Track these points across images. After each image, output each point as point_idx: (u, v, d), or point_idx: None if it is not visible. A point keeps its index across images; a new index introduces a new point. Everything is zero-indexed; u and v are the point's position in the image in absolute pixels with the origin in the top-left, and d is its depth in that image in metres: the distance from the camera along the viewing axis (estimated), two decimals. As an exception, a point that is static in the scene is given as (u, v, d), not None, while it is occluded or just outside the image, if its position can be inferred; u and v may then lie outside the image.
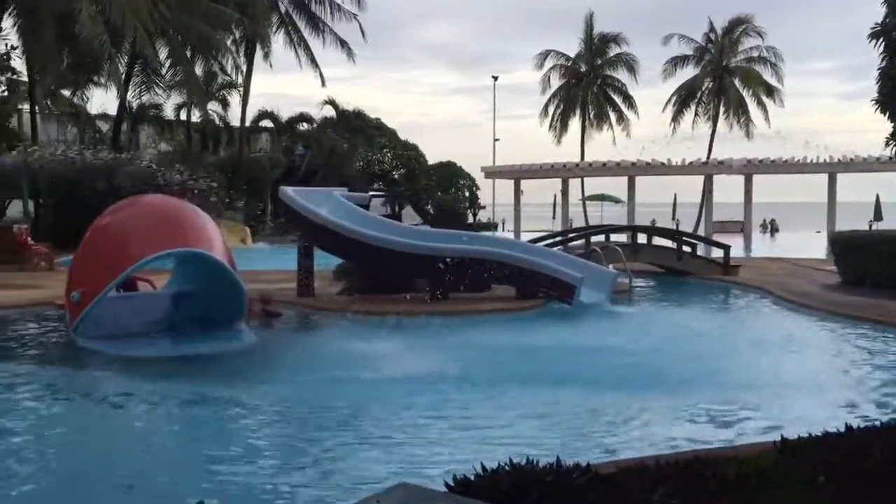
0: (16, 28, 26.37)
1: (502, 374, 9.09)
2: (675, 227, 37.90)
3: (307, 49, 37.62)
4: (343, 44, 37.88)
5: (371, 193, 16.95)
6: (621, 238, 20.70)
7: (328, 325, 12.63)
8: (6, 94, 29.66)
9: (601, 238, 19.05)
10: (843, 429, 4.59)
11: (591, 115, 50.44)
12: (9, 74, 28.93)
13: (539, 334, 11.72)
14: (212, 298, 11.60)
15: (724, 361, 10.20)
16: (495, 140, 57.02)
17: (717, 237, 25.99)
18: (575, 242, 19.48)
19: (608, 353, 10.23)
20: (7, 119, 31.91)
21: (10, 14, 26.19)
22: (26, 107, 32.39)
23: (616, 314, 13.65)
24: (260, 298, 12.79)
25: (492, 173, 43.23)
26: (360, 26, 38.05)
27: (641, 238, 19.64)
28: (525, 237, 27.67)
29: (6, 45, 27.71)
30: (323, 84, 38.67)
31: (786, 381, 8.91)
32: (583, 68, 50.54)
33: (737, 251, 21.85)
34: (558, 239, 19.83)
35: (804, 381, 9.08)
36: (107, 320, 11.08)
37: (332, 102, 41.44)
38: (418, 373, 9.11)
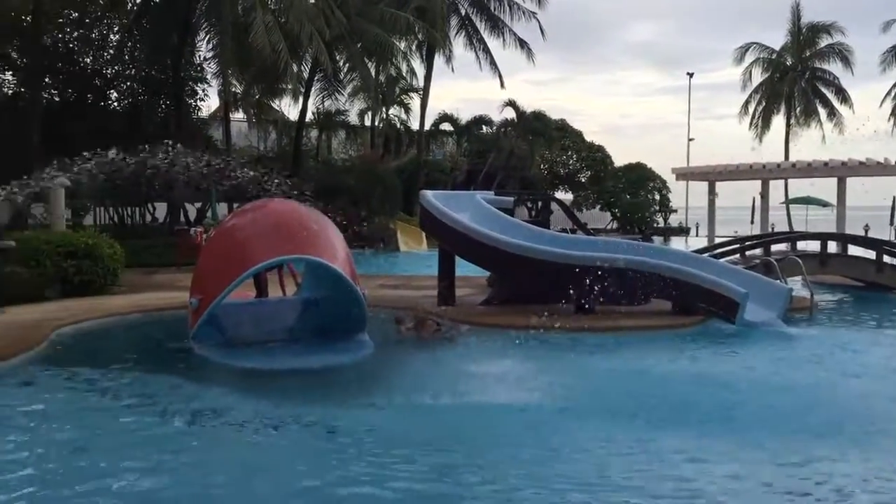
0: (207, 40, 27.87)
1: (638, 406, 7.82)
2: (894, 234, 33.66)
3: (486, 51, 37.18)
4: (522, 44, 37.09)
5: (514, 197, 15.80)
6: (814, 246, 18.25)
7: (460, 337, 11.77)
8: (201, 102, 31.39)
9: (785, 247, 16.82)
10: None
11: (797, 112, 46.30)
12: (204, 85, 30.63)
13: (682, 359, 10.20)
14: (335, 308, 11.15)
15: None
16: (689, 140, 53.89)
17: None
18: (755, 251, 17.34)
19: (761, 388, 8.57)
20: (206, 128, 33.92)
21: (201, 28, 27.66)
22: (234, 115, 34.26)
23: (787, 337, 11.70)
24: (417, 317, 12.05)
25: (684, 175, 40.62)
26: (540, 25, 37.17)
27: (833, 247, 17.17)
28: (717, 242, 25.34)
29: (200, 56, 29.38)
30: (502, 86, 38.11)
31: None
32: (788, 61, 46.52)
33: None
34: (734, 247, 17.72)
35: None
36: (228, 328, 10.93)
37: (512, 104, 40.73)
38: (544, 401, 8.02)
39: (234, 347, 10.61)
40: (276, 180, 12.96)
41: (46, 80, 26.51)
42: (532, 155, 41.97)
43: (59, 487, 5.76)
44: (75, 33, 27.88)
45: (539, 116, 41.40)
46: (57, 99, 27.46)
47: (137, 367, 9.72)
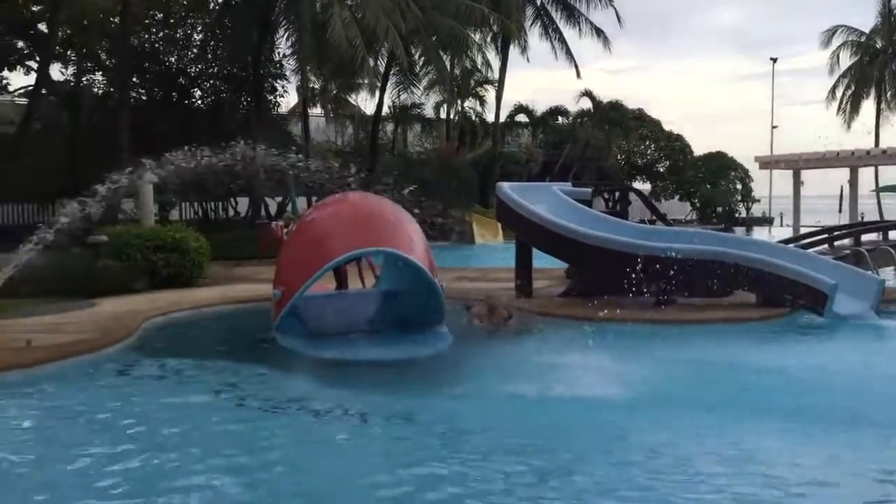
0: (285, 37, 28.34)
1: (727, 400, 7.67)
2: None
3: (562, 40, 36.80)
4: (599, 33, 36.59)
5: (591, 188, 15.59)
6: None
7: (538, 330, 11.71)
8: (281, 98, 31.98)
9: (876, 237, 16.17)
10: None
11: (888, 96, 44.39)
12: (283, 81, 31.19)
13: (771, 352, 9.95)
14: (413, 300, 11.25)
15: None
16: (773, 127, 52.27)
17: None
18: (844, 241, 16.73)
19: (856, 382, 8.28)
20: (285, 123, 34.57)
21: (280, 26, 28.16)
22: (312, 111, 34.78)
23: (881, 329, 11.28)
24: (489, 305, 12.08)
25: (767, 163, 39.48)
26: (617, 12, 36.63)
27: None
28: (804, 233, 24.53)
29: (279, 53, 29.94)
30: (578, 76, 37.68)
31: None
32: (878, 44, 44.62)
33: None
34: (822, 237, 17.11)
35: None
36: (310, 320, 11.14)
37: (588, 94, 40.21)
38: (627, 395, 7.90)
39: (315, 338, 10.82)
40: (361, 174, 13.11)
41: (134, 79, 27.43)
42: (609, 145, 41.38)
43: (150, 472, 5.98)
44: (161, 33, 28.78)
45: (616, 106, 40.74)
46: (144, 98, 28.39)
47: (223, 356, 10.04)
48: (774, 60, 52.48)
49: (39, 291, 13.06)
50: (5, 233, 22.49)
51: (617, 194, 32.29)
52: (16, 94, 28.79)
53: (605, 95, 41.16)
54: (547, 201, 13.71)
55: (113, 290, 13.85)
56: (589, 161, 38.55)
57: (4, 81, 27.01)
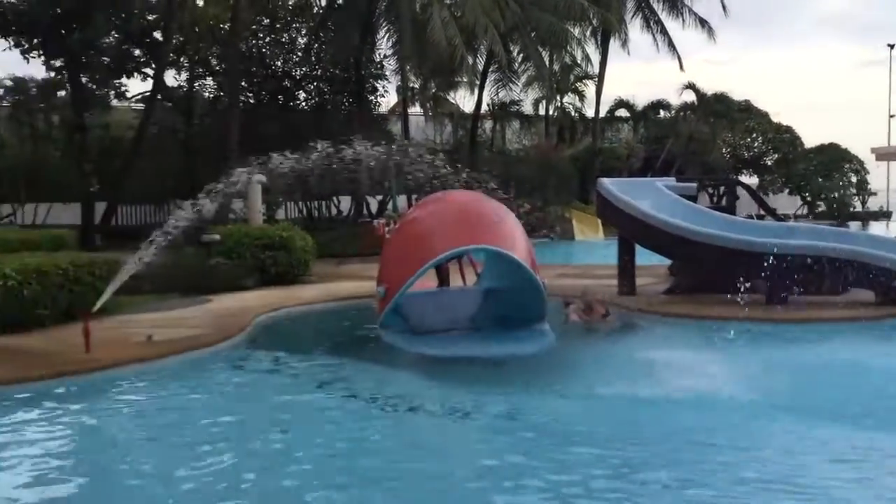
0: (386, 38, 28.77)
1: (849, 404, 7.30)
2: None
3: (664, 32, 35.95)
4: (703, 23, 35.59)
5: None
6: None
7: (642, 328, 11.48)
8: (381, 98, 32.50)
9: None
10: None
11: None
12: (384, 82, 31.68)
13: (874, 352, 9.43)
14: (515, 297, 11.25)
15: None
16: (890, 117, 49.64)
17: None
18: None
19: None
20: (385, 123, 35.11)
21: (381, 27, 28.60)
22: (411, 110, 35.21)
23: None
24: (586, 302, 11.99)
25: (885, 155, 37.55)
26: (722, 1, 35.52)
27: None
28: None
29: (379, 54, 30.43)
30: (681, 68, 36.75)
31: None
32: None
33: None
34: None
35: None
36: (412, 317, 11.30)
37: (692, 87, 39.16)
38: (740, 396, 7.61)
39: (418, 335, 10.96)
40: (463, 173, 13.20)
41: (242, 83, 28.41)
42: (713, 138, 40.17)
43: (262, 463, 6.22)
44: (267, 38, 29.71)
45: (721, 98, 39.47)
46: (252, 101, 29.36)
47: (330, 352, 10.32)
48: (892, 47, 49.87)
49: (158, 288, 13.70)
50: (125, 233, 23.76)
51: (722, 189, 31.34)
52: (133, 100, 30.28)
53: (709, 87, 40.03)
54: (651, 197, 13.45)
55: (224, 287, 14.40)
56: (692, 155, 37.50)
57: (123, 88, 28.47)
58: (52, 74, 26.58)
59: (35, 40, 25.01)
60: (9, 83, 28.39)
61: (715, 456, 6.15)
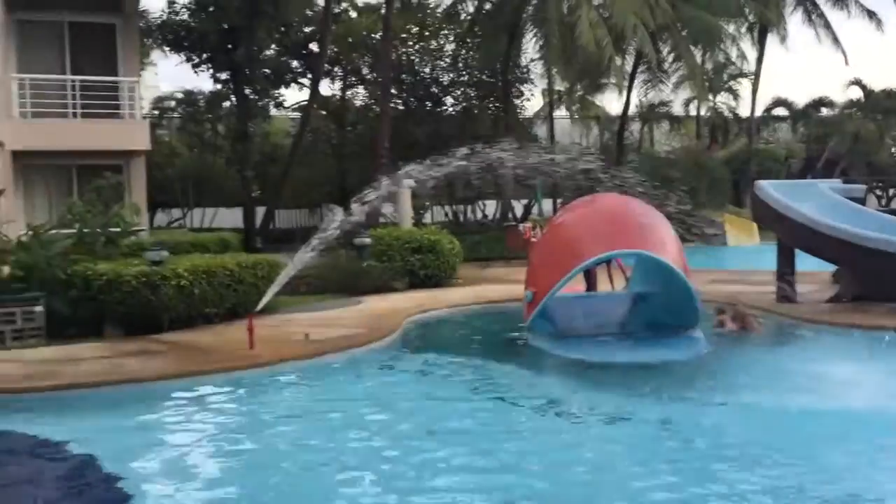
0: (533, 42, 28.74)
1: None
2: None
3: (827, 26, 33.94)
4: (871, 15, 33.35)
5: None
6: None
7: (802, 338, 10.92)
8: (527, 102, 32.52)
9: None
10: None
11: None
12: (530, 85, 31.70)
13: None
14: (665, 303, 11.00)
15: None
16: None
17: None
18: None
19: None
20: (531, 126, 35.13)
21: (528, 31, 28.61)
22: (557, 113, 35.09)
23: None
24: (736, 311, 11.56)
25: None
26: (893, -10, 33.08)
27: None
28: None
29: (526, 58, 30.44)
30: (846, 62, 34.65)
31: None
32: None
33: None
34: None
35: None
36: (560, 321, 11.26)
37: (858, 83, 36.82)
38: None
39: (565, 339, 10.91)
40: (615, 177, 13.01)
41: (392, 90, 29.23)
42: (881, 137, 37.61)
43: (410, 460, 6.36)
44: (416, 46, 30.41)
45: (891, 94, 36.89)
46: (401, 107, 30.14)
47: (478, 354, 10.43)
48: None
49: (314, 289, 14.31)
50: (281, 236, 25.00)
51: (892, 191, 29.32)
52: (290, 109, 31.81)
53: (877, 83, 37.54)
54: (813, 200, 12.77)
55: (375, 288, 14.86)
56: (857, 155, 35.29)
57: (281, 98, 29.99)
58: (219, 87, 28.36)
59: (204, 55, 26.78)
60: (180, 95, 30.60)
61: (873, 473, 5.83)
